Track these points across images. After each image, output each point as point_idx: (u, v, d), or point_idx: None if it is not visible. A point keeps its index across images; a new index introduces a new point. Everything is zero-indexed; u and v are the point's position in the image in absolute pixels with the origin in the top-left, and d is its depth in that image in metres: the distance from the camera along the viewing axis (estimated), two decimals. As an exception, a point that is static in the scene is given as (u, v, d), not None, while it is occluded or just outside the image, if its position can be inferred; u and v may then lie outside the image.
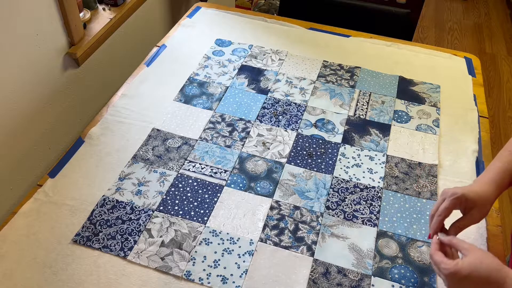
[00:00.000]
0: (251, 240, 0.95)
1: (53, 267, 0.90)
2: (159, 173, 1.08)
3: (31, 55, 1.20)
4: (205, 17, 1.60)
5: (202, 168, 1.09)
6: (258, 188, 1.05)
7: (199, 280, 0.88)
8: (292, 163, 1.11)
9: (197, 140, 1.16)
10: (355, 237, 0.96)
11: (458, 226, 0.80)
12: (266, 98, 1.29)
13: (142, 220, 0.98)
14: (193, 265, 0.91)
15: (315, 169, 1.10)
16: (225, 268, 0.91)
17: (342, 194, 1.05)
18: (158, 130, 1.18)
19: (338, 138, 1.18)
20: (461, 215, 0.81)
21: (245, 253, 0.93)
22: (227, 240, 0.95)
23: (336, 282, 0.89)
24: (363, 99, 1.29)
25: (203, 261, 0.91)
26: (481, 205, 0.79)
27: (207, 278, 0.89)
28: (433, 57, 1.46)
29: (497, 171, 0.82)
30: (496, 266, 0.68)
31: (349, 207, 1.02)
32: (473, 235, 0.97)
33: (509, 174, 0.82)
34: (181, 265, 0.90)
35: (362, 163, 1.12)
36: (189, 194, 1.03)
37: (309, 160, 1.12)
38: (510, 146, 0.85)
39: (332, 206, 1.02)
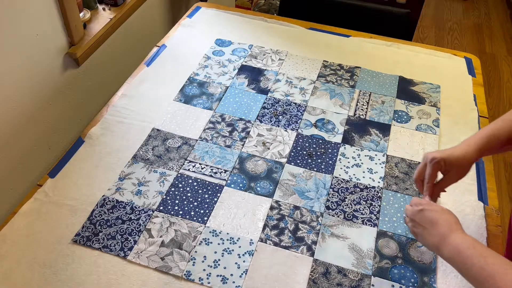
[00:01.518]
0: (251, 240, 0.95)
1: (53, 267, 0.90)
2: (159, 173, 1.08)
3: (31, 55, 1.20)
4: (205, 17, 1.60)
5: (202, 168, 1.09)
6: (258, 188, 1.05)
7: (199, 280, 0.88)
8: (292, 163, 1.11)
9: (197, 140, 1.16)
10: (355, 237, 0.96)
11: (440, 187, 0.88)
12: (266, 98, 1.29)
13: (142, 220, 0.98)
14: (193, 265, 0.91)
15: (315, 169, 1.10)
16: (225, 268, 0.91)
17: (342, 194, 1.05)
18: (158, 130, 1.18)
19: (338, 138, 1.18)
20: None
21: (245, 253, 0.93)
22: (227, 240, 0.95)
23: (336, 282, 0.89)
24: (363, 99, 1.29)
25: (203, 261, 0.91)
26: (459, 167, 0.85)
27: (207, 278, 0.89)
28: (433, 57, 1.46)
29: (483, 136, 0.86)
30: (452, 221, 0.76)
31: (349, 207, 1.02)
32: (473, 235, 0.96)
33: (495, 139, 0.86)
34: (181, 265, 0.90)
35: (362, 163, 1.12)
36: (189, 194, 1.03)
37: (309, 160, 1.12)
38: (505, 115, 0.88)
39: (332, 206, 1.02)
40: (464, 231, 0.74)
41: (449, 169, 0.85)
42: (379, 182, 1.08)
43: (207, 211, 1.00)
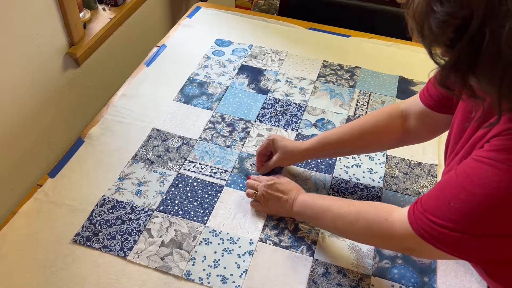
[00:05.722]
0: (251, 240, 0.95)
1: (53, 267, 0.90)
2: (159, 173, 1.08)
3: (31, 55, 1.20)
4: (205, 17, 1.60)
5: (202, 168, 1.09)
6: (258, 188, 1.05)
7: (199, 280, 0.88)
8: (292, 163, 1.11)
9: (197, 140, 1.16)
10: (355, 237, 0.96)
11: (268, 163, 1.06)
12: (266, 98, 1.29)
13: (142, 220, 0.98)
14: (193, 265, 0.91)
15: (315, 169, 1.10)
16: (225, 268, 0.91)
17: (342, 194, 1.05)
18: (158, 130, 1.18)
19: (338, 138, 1.17)
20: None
21: (245, 253, 0.93)
22: (227, 240, 0.95)
23: (336, 282, 0.89)
24: (363, 99, 1.30)
25: (203, 261, 0.91)
26: (284, 155, 1.02)
27: (207, 278, 0.89)
28: (433, 57, 1.46)
29: (317, 138, 0.99)
30: (298, 188, 0.95)
31: (349, 207, 1.02)
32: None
33: (326, 142, 0.98)
34: (181, 265, 0.91)
35: (362, 163, 1.12)
36: (189, 194, 1.03)
37: (309, 160, 1.12)
38: (349, 123, 0.98)
39: (332, 206, 1.02)
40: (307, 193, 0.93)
41: (276, 151, 1.03)
42: (379, 182, 1.08)
43: (207, 211, 1.00)
